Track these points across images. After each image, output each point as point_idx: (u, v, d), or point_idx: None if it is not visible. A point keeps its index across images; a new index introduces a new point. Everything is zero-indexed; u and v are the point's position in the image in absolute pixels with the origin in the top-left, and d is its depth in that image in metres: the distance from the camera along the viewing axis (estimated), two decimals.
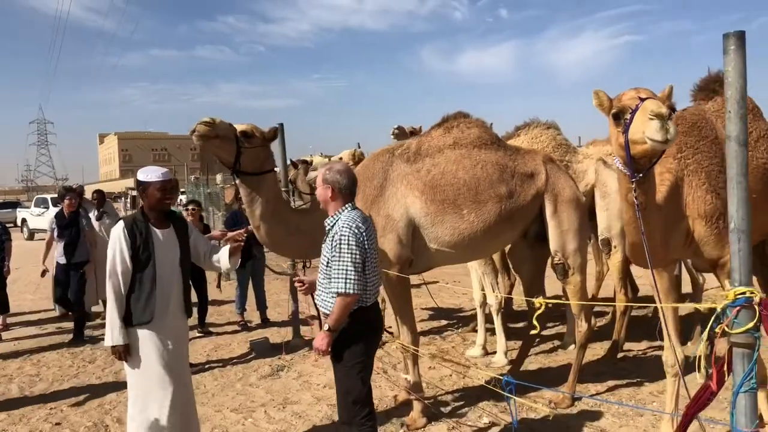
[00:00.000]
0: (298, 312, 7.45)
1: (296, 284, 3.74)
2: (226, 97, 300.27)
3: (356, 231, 3.28)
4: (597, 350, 6.44)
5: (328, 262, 3.35)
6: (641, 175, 3.23)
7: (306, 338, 7.37)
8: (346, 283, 3.23)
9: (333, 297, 3.31)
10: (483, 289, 6.53)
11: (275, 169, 4.77)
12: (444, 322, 8.30)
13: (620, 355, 6.29)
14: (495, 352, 6.40)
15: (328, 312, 3.38)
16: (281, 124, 4.73)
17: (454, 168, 4.67)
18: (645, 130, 2.97)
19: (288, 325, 8.01)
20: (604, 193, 5.89)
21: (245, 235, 4.76)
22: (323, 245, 3.50)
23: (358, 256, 3.25)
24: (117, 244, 3.68)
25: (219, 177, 33.34)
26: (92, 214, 8.90)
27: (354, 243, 3.26)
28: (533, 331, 4.63)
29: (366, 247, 3.31)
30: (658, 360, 6.05)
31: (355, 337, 3.37)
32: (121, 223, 3.77)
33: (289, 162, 8.78)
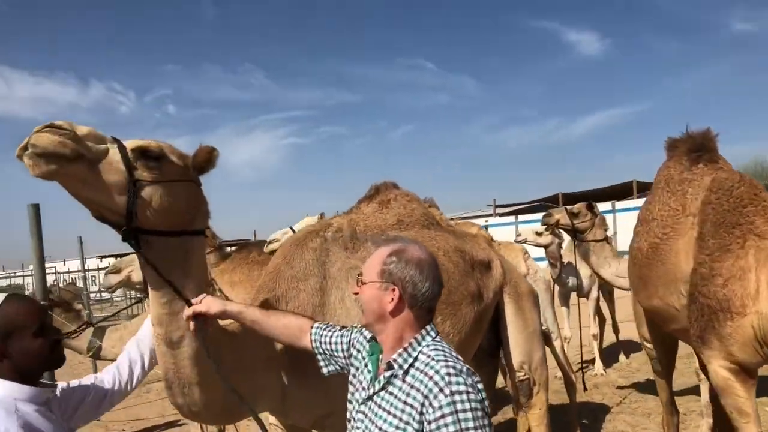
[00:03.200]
0: None
1: None
2: None
3: (473, 381, 1.74)
4: None
5: None
6: None
7: None
8: None
9: None
10: None
11: (206, 229, 2.65)
12: None
13: None
14: None
15: None
16: (212, 148, 2.48)
17: None
18: None
19: None
20: None
21: None
22: (365, 404, 1.89)
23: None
24: None
25: None
26: None
27: (480, 408, 1.69)
28: None
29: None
30: None
31: None
32: None
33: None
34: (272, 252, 5.93)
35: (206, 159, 2.48)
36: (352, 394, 2.00)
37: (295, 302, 2.99)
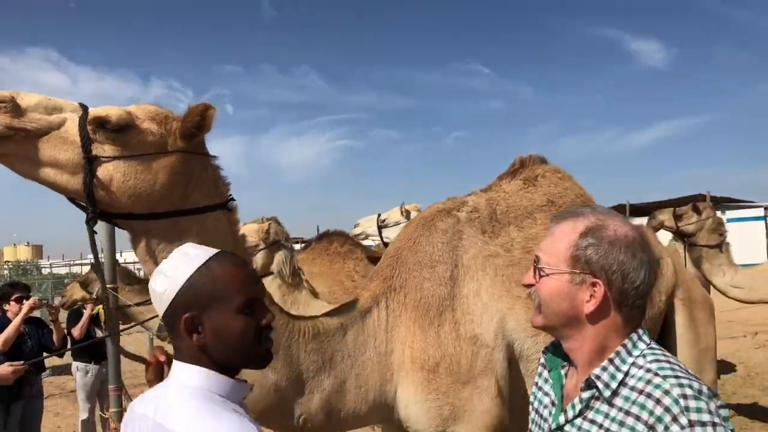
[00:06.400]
0: None
1: None
2: None
3: (716, 407, 1.25)
4: None
5: None
6: None
7: None
8: None
9: None
10: None
11: (230, 202, 2.22)
12: None
13: None
14: None
15: None
16: (204, 106, 2.04)
17: None
18: None
19: None
20: None
21: None
22: None
23: None
24: None
25: None
26: None
27: None
28: None
29: None
30: None
31: None
32: None
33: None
34: (356, 236, 5.77)
35: (196, 122, 2.04)
36: (533, 421, 1.57)
37: (417, 293, 2.47)
